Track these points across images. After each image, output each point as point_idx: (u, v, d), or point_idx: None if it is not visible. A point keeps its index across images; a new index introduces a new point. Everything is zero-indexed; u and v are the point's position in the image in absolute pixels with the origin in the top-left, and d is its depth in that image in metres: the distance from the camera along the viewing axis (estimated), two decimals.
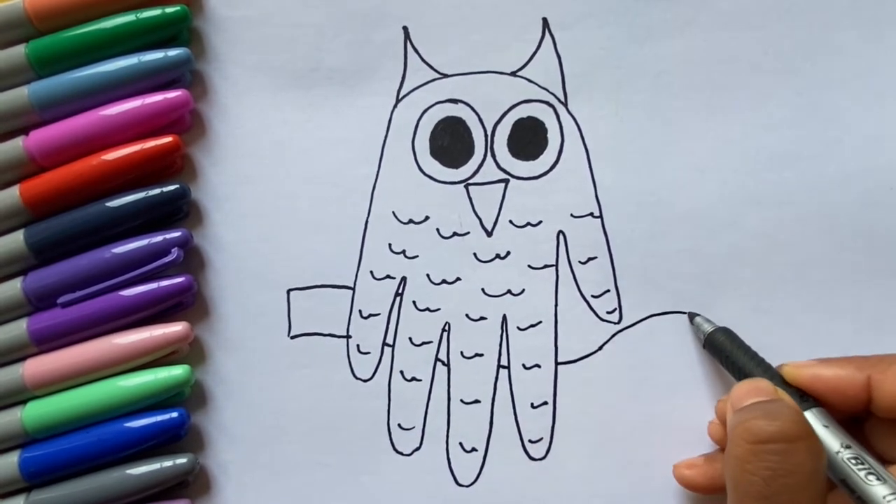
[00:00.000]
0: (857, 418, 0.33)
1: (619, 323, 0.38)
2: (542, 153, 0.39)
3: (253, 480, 0.39)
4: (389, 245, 0.39)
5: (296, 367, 0.39)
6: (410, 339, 0.39)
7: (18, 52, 0.40)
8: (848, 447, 0.30)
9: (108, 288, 0.38)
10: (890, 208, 0.37)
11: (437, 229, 0.39)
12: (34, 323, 0.39)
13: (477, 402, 0.38)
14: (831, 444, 0.30)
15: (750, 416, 0.29)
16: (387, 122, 0.40)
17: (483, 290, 0.39)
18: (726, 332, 0.36)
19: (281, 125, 0.40)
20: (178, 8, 0.39)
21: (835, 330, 0.37)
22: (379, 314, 0.39)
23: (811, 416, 0.31)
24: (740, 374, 0.34)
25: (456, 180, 0.39)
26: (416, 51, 0.40)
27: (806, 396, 0.32)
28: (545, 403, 0.38)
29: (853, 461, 0.30)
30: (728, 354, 0.35)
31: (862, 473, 0.29)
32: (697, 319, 0.37)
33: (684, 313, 0.38)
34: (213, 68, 0.41)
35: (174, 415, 0.38)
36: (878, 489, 0.29)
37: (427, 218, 0.39)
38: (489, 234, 0.39)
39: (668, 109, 0.39)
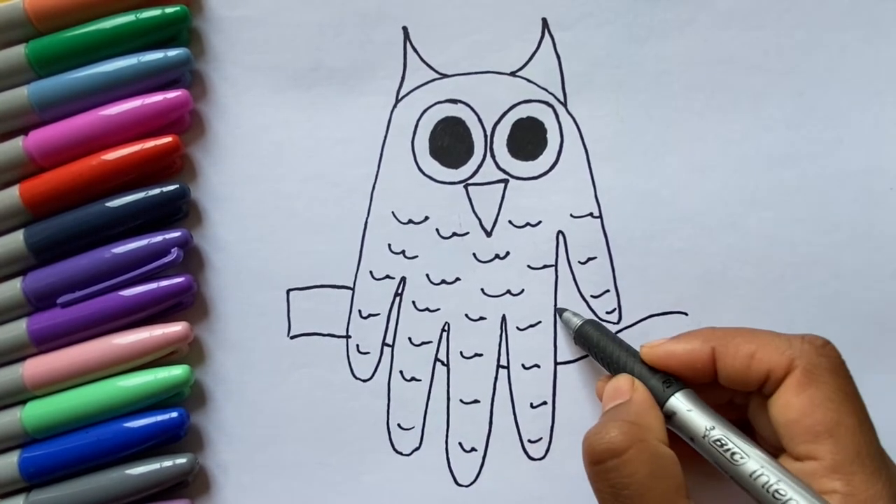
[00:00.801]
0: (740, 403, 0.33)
1: (618, 323, 0.38)
2: (541, 153, 0.39)
3: (253, 480, 0.39)
4: (389, 245, 0.39)
5: (296, 367, 0.39)
6: (410, 339, 0.39)
7: (18, 52, 0.40)
8: (713, 428, 0.30)
9: (108, 288, 0.38)
10: (889, 208, 0.37)
11: (437, 229, 0.39)
12: (34, 323, 0.39)
13: (476, 402, 0.38)
14: (698, 426, 0.31)
15: (587, 435, 0.30)
16: (386, 122, 0.40)
17: (482, 290, 0.39)
18: (594, 324, 0.36)
19: (281, 125, 0.40)
20: (177, 8, 0.39)
21: (835, 330, 0.37)
22: (378, 314, 0.39)
23: (676, 401, 0.32)
24: (609, 364, 0.35)
25: (455, 180, 0.39)
26: (415, 51, 0.40)
27: (671, 380, 0.32)
28: (544, 403, 0.38)
29: (717, 443, 0.30)
30: (596, 346, 0.35)
31: (728, 454, 0.30)
32: (566, 315, 0.37)
33: (684, 313, 0.38)
34: (212, 68, 0.41)
35: (174, 415, 0.38)
36: (744, 467, 0.29)
37: (427, 218, 0.39)
38: (489, 234, 0.39)
39: (668, 109, 0.39)
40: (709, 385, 0.32)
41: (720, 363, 0.31)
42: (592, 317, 0.38)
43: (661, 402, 0.32)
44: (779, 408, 0.30)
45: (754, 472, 0.29)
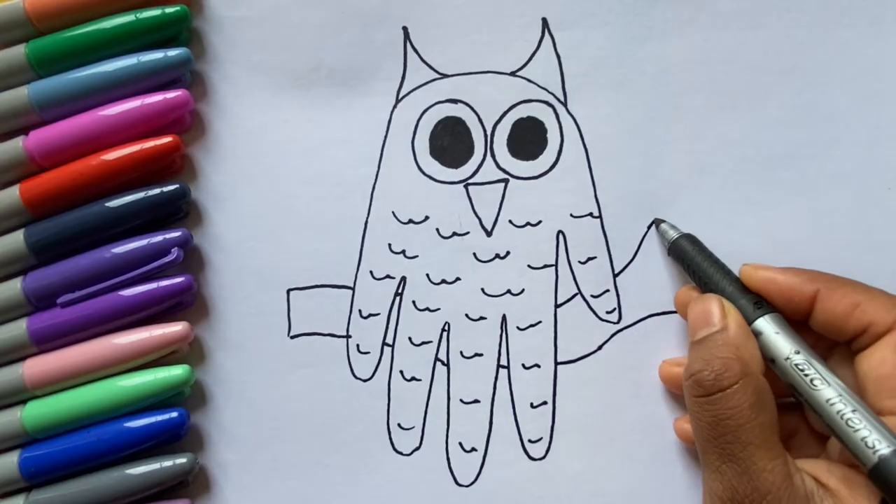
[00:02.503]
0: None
1: (618, 323, 0.38)
2: (541, 153, 0.39)
3: (253, 480, 0.39)
4: (389, 245, 0.39)
5: (296, 367, 0.39)
6: (410, 338, 0.39)
7: (18, 52, 0.40)
8: (797, 352, 0.31)
9: (108, 288, 0.38)
10: (889, 208, 0.37)
11: (437, 229, 0.39)
12: (34, 323, 0.39)
13: (476, 401, 0.38)
14: (782, 349, 0.31)
15: (692, 371, 0.31)
16: (387, 122, 0.40)
17: (483, 289, 0.39)
18: (690, 238, 0.36)
19: (281, 125, 0.40)
20: (177, 8, 0.39)
21: None
22: (379, 314, 0.39)
23: (764, 322, 0.32)
24: (701, 280, 0.35)
25: (456, 180, 0.39)
26: (415, 51, 0.40)
27: (761, 302, 0.33)
28: (545, 403, 0.38)
29: (800, 367, 0.31)
30: (690, 261, 0.35)
31: (808, 379, 0.30)
32: (663, 226, 0.37)
33: None
34: (212, 68, 0.41)
35: (174, 415, 0.38)
36: (821, 393, 0.30)
37: (427, 218, 0.39)
38: (489, 234, 0.39)
39: (668, 109, 0.39)
40: (794, 326, 0.33)
41: (821, 305, 0.32)
42: (689, 231, 0.37)
43: (748, 321, 0.32)
44: (873, 361, 0.31)
45: (830, 398, 0.30)
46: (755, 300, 0.33)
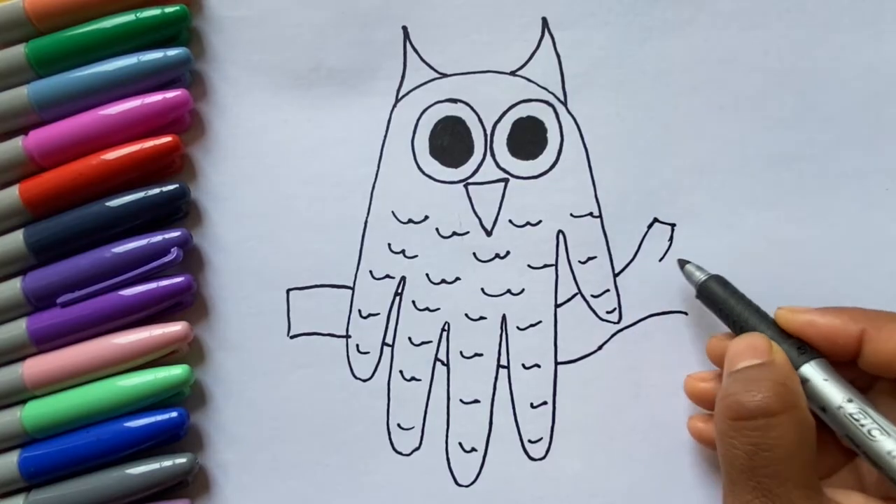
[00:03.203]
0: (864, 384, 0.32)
1: (618, 323, 0.38)
2: (541, 153, 0.39)
3: (253, 480, 0.39)
4: (389, 245, 0.39)
5: (295, 367, 0.39)
6: (410, 338, 0.39)
7: (18, 52, 0.40)
8: (850, 401, 0.29)
9: (108, 288, 0.38)
10: (888, 208, 0.37)
11: (437, 229, 0.39)
12: (34, 323, 0.39)
13: (476, 402, 0.38)
14: (833, 398, 0.30)
15: (732, 391, 0.29)
16: (386, 121, 0.40)
17: (482, 289, 0.39)
18: (720, 280, 0.35)
19: (281, 125, 0.40)
20: (177, 8, 0.39)
21: None
22: (378, 314, 0.39)
23: (811, 368, 0.30)
24: (735, 324, 0.33)
25: (455, 180, 0.39)
26: (415, 51, 0.40)
27: (805, 347, 0.31)
28: (545, 403, 0.38)
29: (855, 416, 0.29)
30: (722, 304, 0.34)
31: (865, 429, 0.29)
32: (688, 267, 0.36)
33: (684, 313, 0.38)
34: (212, 68, 0.41)
35: (174, 415, 0.38)
36: (882, 444, 0.28)
37: (426, 218, 0.39)
38: (489, 233, 0.39)
39: (668, 109, 0.39)
40: (833, 362, 0.31)
41: (869, 346, 0.30)
42: (717, 272, 0.35)
43: (796, 367, 0.31)
44: None
45: (891, 451, 0.28)
46: (798, 345, 0.31)
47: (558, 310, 0.38)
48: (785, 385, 0.29)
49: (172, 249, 0.38)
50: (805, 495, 0.28)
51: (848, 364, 0.31)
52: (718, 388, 0.32)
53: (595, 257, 0.38)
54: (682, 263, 0.36)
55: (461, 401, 0.39)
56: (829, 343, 0.31)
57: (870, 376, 0.32)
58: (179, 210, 0.40)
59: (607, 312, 0.38)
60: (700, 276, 0.35)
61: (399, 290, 0.39)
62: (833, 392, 0.30)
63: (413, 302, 0.39)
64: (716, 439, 0.30)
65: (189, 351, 0.40)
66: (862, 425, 0.29)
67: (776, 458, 0.28)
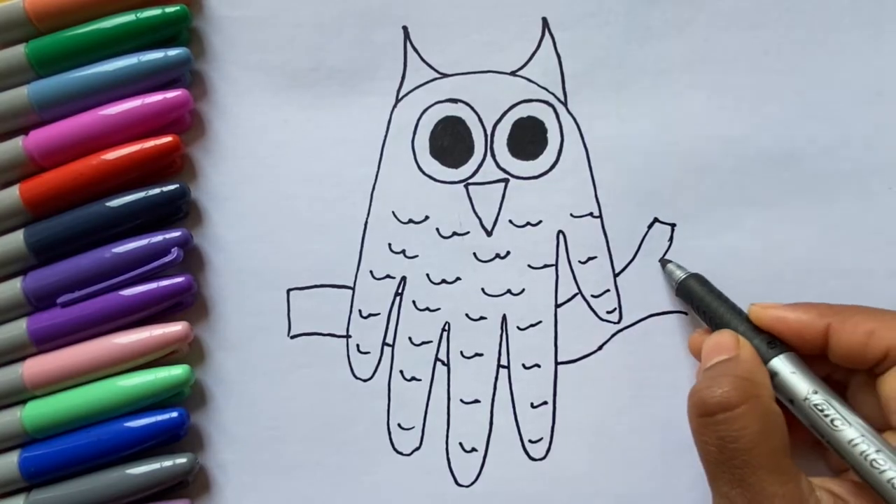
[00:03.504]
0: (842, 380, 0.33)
1: (618, 323, 0.38)
2: (541, 153, 0.39)
3: (253, 480, 0.39)
4: (389, 245, 0.39)
5: (296, 367, 0.39)
6: (410, 338, 0.39)
7: (18, 52, 0.40)
8: (815, 392, 0.30)
9: (108, 288, 0.38)
10: (889, 208, 0.37)
11: (437, 229, 0.39)
12: (34, 323, 0.39)
13: (477, 401, 0.38)
14: (799, 389, 0.31)
15: (697, 389, 0.31)
16: (387, 121, 0.40)
17: (483, 289, 0.39)
18: (698, 278, 0.36)
19: (281, 125, 0.40)
20: (178, 8, 0.39)
21: None
22: (379, 314, 0.39)
23: (780, 362, 0.31)
24: (711, 320, 0.34)
25: (456, 180, 0.39)
26: (416, 51, 0.40)
27: (775, 342, 0.32)
28: (545, 403, 0.38)
29: (819, 407, 0.30)
30: (699, 301, 0.35)
31: (828, 419, 0.30)
32: (669, 266, 0.37)
33: (684, 313, 0.38)
34: (212, 68, 0.41)
35: (174, 415, 0.38)
36: (843, 434, 0.29)
37: (427, 218, 0.39)
38: (489, 233, 0.39)
39: (668, 109, 0.39)
40: (809, 359, 0.32)
41: (835, 338, 0.31)
42: (696, 271, 0.36)
43: (763, 360, 0.32)
44: (895, 384, 0.30)
45: (852, 439, 0.29)
46: (768, 340, 0.32)
47: (558, 310, 0.38)
48: (745, 378, 0.30)
49: (173, 249, 0.38)
50: (779, 480, 0.29)
51: (823, 358, 0.32)
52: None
53: (595, 257, 0.38)
54: (664, 263, 0.38)
55: (461, 401, 0.39)
56: (798, 337, 0.32)
57: (846, 370, 0.33)
58: (180, 210, 0.40)
59: (607, 312, 0.38)
60: (680, 275, 0.36)
61: (399, 290, 0.39)
62: (800, 384, 0.31)
63: (413, 302, 0.39)
64: (692, 437, 0.31)
65: (189, 351, 0.40)
66: (826, 415, 0.30)
67: (743, 448, 0.29)
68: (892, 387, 0.30)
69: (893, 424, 0.30)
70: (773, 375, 0.32)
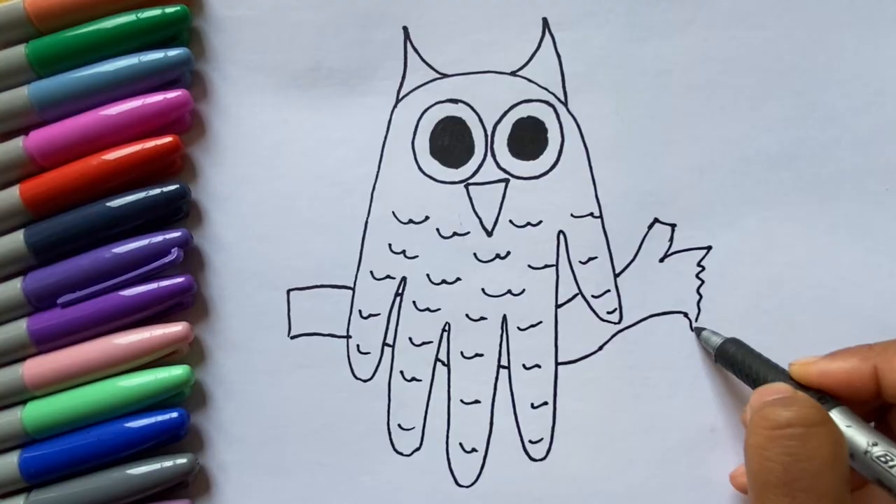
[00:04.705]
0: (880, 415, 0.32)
1: (619, 323, 0.38)
2: (542, 153, 0.39)
3: (253, 480, 0.39)
4: (389, 245, 0.39)
5: (296, 367, 0.39)
6: (410, 339, 0.39)
7: (18, 52, 0.40)
8: (875, 444, 0.29)
9: (108, 288, 0.38)
10: (888, 208, 0.37)
11: (437, 229, 0.39)
12: (34, 323, 0.39)
13: (477, 402, 0.38)
14: (859, 442, 0.29)
15: (766, 403, 0.29)
16: (387, 122, 0.40)
17: (483, 290, 0.39)
18: (735, 342, 0.36)
19: (281, 125, 0.40)
20: (178, 8, 0.39)
21: (835, 330, 0.37)
22: (379, 314, 0.39)
23: (834, 416, 0.30)
24: (755, 382, 0.34)
25: (456, 180, 0.39)
26: (416, 51, 0.40)
27: (826, 397, 0.31)
28: (545, 404, 0.38)
29: (882, 458, 0.29)
30: (741, 365, 0.34)
31: (893, 470, 0.28)
32: (705, 334, 0.37)
33: (684, 313, 0.38)
34: (213, 68, 0.41)
35: (174, 415, 0.38)
36: None
37: (427, 218, 0.39)
38: (489, 234, 0.39)
39: (668, 109, 0.39)
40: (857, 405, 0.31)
41: (886, 380, 0.30)
42: (732, 335, 0.36)
43: None
44: None
45: None
46: (818, 396, 0.31)
47: (559, 310, 0.38)
48: (815, 406, 0.29)
49: (173, 250, 0.38)
50: None
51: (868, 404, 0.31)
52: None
53: (595, 257, 0.38)
54: (699, 331, 0.37)
55: (462, 401, 0.39)
56: (847, 387, 0.31)
57: (879, 410, 0.32)
58: (180, 210, 0.40)
59: (608, 313, 0.38)
60: (717, 341, 0.36)
61: (400, 291, 0.39)
62: (858, 437, 0.30)
63: (413, 302, 0.39)
64: (747, 460, 0.29)
65: (189, 351, 0.40)
66: (891, 467, 0.29)
67: (813, 469, 0.27)
68: None
69: None
70: None
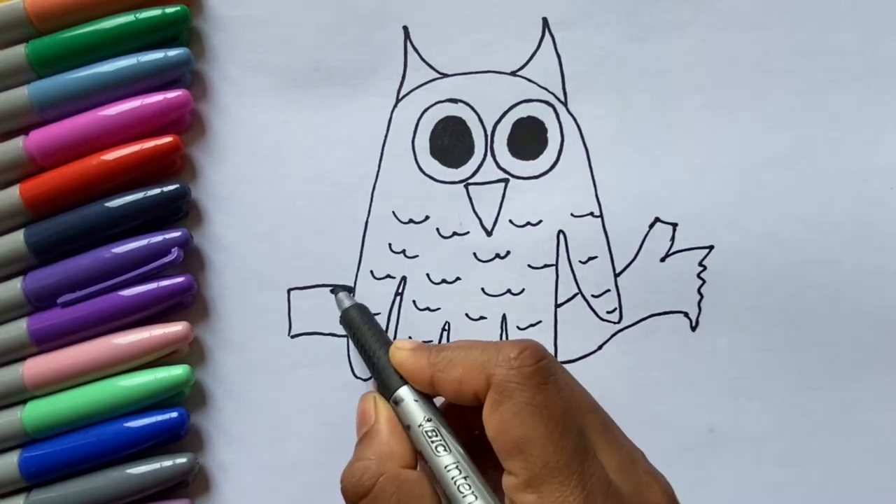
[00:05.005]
0: None
1: (619, 323, 0.38)
2: (542, 153, 0.39)
3: (253, 480, 0.39)
4: (389, 245, 0.39)
5: (296, 367, 0.39)
6: (410, 338, 0.39)
7: (18, 52, 0.40)
8: (429, 420, 0.31)
9: (108, 288, 0.38)
10: (890, 208, 0.37)
11: (437, 229, 0.39)
12: (34, 323, 0.39)
13: None
14: (415, 416, 0.32)
15: (343, 476, 0.31)
16: (387, 121, 0.40)
17: (483, 289, 0.39)
18: (360, 308, 0.37)
19: (281, 125, 0.40)
20: (178, 8, 0.39)
21: (835, 330, 0.37)
22: (379, 314, 0.39)
23: (406, 390, 0.32)
24: (363, 350, 0.35)
25: (456, 180, 0.39)
26: (416, 51, 0.40)
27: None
28: None
29: (429, 434, 0.31)
30: (356, 331, 0.36)
31: (433, 445, 0.31)
32: (340, 295, 0.38)
33: (684, 313, 0.38)
34: (212, 68, 0.41)
35: (174, 415, 0.38)
36: (442, 459, 0.30)
37: (427, 218, 0.39)
38: (489, 233, 0.39)
39: (668, 109, 0.39)
40: None
41: (439, 389, 0.32)
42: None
43: (392, 389, 0.33)
44: (485, 426, 0.30)
45: (448, 465, 0.30)
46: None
47: (558, 310, 0.38)
48: (377, 455, 0.31)
49: (173, 250, 0.38)
50: None
51: None
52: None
53: (595, 257, 0.38)
54: (336, 290, 0.39)
55: None
56: (416, 382, 0.32)
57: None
58: (180, 210, 0.40)
59: (608, 312, 0.38)
60: (346, 303, 0.37)
61: (400, 290, 0.39)
62: (417, 412, 0.32)
63: (414, 302, 0.39)
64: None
65: (189, 351, 0.40)
66: (433, 441, 0.31)
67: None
68: (485, 428, 0.30)
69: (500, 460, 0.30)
70: (399, 402, 0.32)
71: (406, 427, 0.32)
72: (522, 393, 0.29)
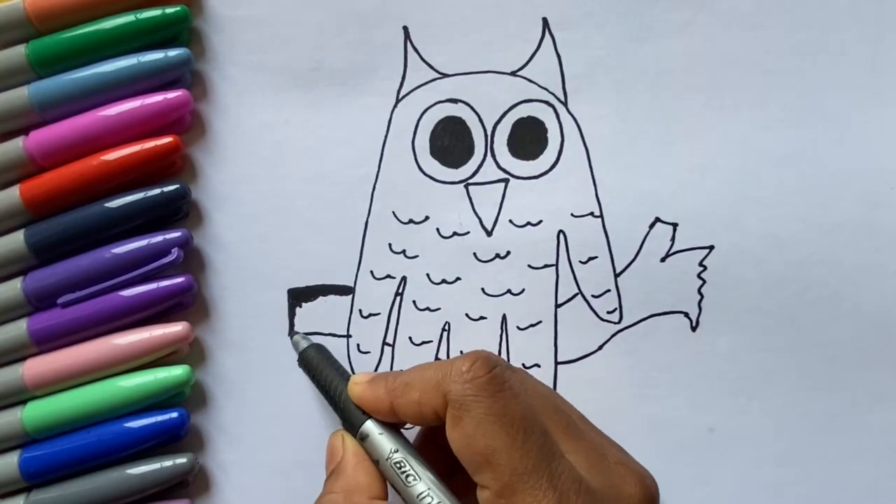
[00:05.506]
0: None
1: (619, 323, 0.38)
2: (542, 153, 0.39)
3: (253, 480, 0.39)
4: (389, 245, 0.39)
5: (296, 367, 0.39)
6: (410, 338, 0.39)
7: (18, 52, 0.40)
8: (396, 451, 0.32)
9: (108, 288, 0.38)
10: (890, 208, 0.37)
11: (437, 229, 0.39)
12: (34, 323, 0.39)
13: None
14: (383, 449, 0.32)
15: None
16: (387, 121, 0.40)
17: (483, 289, 0.39)
18: (318, 348, 0.37)
19: (281, 125, 0.40)
20: (178, 8, 0.39)
21: (835, 330, 0.37)
22: (379, 314, 0.39)
23: (371, 424, 0.33)
24: (324, 389, 0.36)
25: (456, 180, 0.39)
26: (416, 50, 0.40)
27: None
28: None
29: (397, 465, 0.32)
30: (315, 371, 0.36)
31: (404, 476, 0.31)
32: (296, 338, 0.38)
33: (684, 313, 0.38)
34: (212, 68, 0.41)
35: (174, 415, 0.38)
36: (414, 489, 0.31)
37: (427, 218, 0.39)
38: (489, 233, 0.39)
39: (668, 109, 0.39)
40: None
41: (401, 415, 0.32)
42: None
43: (357, 425, 0.33)
44: (450, 443, 0.30)
45: (420, 493, 0.31)
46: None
47: (559, 310, 0.39)
48: (343, 490, 0.32)
49: (173, 250, 0.38)
50: None
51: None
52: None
53: (596, 257, 0.38)
54: (292, 335, 0.39)
55: None
56: (378, 414, 0.33)
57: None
58: (180, 210, 0.40)
59: (608, 312, 0.38)
60: (303, 344, 0.37)
61: (400, 290, 0.39)
62: (384, 444, 0.32)
63: (414, 302, 0.39)
64: None
65: (189, 351, 0.40)
66: (403, 472, 0.31)
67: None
68: (451, 445, 0.30)
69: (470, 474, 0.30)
70: (365, 437, 0.33)
71: (375, 462, 0.32)
72: (479, 404, 0.29)
